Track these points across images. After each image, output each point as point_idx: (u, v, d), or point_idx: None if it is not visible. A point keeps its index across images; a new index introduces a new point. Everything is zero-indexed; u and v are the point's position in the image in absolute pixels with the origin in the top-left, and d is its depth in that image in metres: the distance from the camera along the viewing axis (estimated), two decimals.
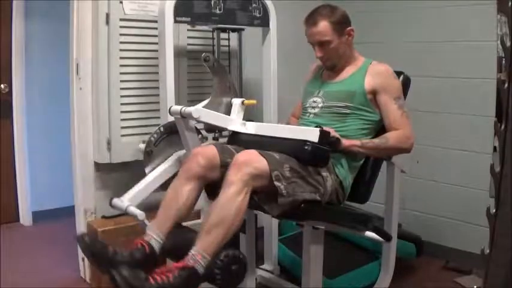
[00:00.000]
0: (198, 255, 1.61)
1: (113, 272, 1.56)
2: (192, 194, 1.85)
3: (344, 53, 2.11)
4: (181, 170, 1.90)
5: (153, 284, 1.52)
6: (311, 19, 2.07)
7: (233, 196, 1.66)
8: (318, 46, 2.09)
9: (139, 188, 2.09)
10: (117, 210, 2.10)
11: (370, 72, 2.08)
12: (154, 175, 2.12)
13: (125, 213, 2.61)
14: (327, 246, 1.98)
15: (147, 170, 2.16)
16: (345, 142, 1.94)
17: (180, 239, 1.78)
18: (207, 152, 1.87)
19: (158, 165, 2.16)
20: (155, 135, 2.16)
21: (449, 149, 3.08)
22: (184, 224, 1.92)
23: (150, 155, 2.16)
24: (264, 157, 1.74)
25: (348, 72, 2.14)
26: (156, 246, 1.75)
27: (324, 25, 2.05)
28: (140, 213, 1.99)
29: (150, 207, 2.09)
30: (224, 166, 1.81)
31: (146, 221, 1.96)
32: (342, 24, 2.07)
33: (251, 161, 1.71)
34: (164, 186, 2.09)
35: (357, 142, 1.98)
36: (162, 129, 2.18)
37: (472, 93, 2.93)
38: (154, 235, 1.76)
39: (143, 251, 1.71)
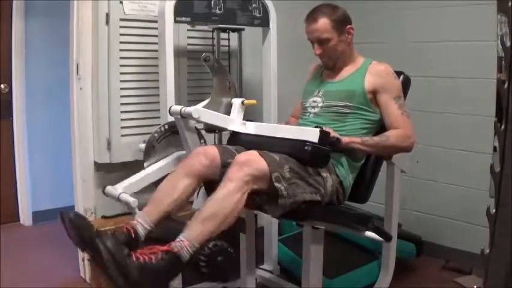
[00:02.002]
0: (185, 242, 1.57)
1: (96, 242, 1.50)
2: (188, 189, 1.84)
3: (343, 52, 2.11)
4: (181, 165, 1.91)
5: (134, 262, 1.49)
6: (312, 16, 2.08)
7: (231, 193, 1.66)
8: (317, 43, 2.09)
9: (135, 179, 2.09)
10: (110, 197, 2.08)
11: (370, 72, 2.08)
12: (151, 170, 2.12)
13: (125, 214, 2.63)
14: (327, 246, 1.98)
15: (145, 164, 2.16)
16: (345, 139, 1.94)
17: (168, 229, 1.74)
18: (209, 151, 1.88)
19: (157, 161, 2.16)
20: (159, 132, 2.16)
21: (449, 149, 3.08)
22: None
23: (151, 150, 2.17)
24: (264, 158, 1.74)
25: (347, 71, 2.14)
26: (142, 232, 1.71)
27: (324, 22, 2.05)
28: (133, 201, 1.98)
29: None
30: (225, 166, 1.81)
31: (137, 210, 1.95)
32: (342, 22, 2.08)
33: (252, 161, 1.71)
34: (158, 182, 2.07)
35: (357, 139, 1.98)
36: (166, 126, 2.19)
37: (472, 93, 2.92)
38: (142, 221, 1.73)
39: (128, 235, 1.67)
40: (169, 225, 1.79)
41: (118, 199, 2.02)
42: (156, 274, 1.51)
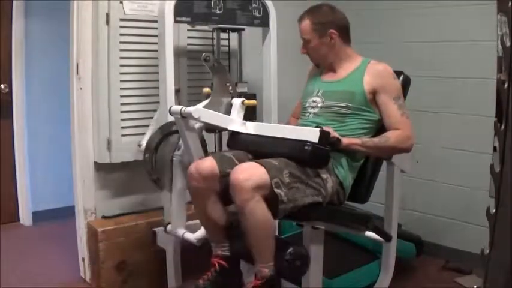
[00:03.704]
0: (263, 269, 1.77)
1: None
2: (215, 206, 1.91)
3: (327, 54, 2.12)
4: (189, 192, 1.97)
5: None
6: (301, 16, 2.14)
7: (251, 215, 1.71)
8: (303, 43, 2.15)
9: (177, 211, 2.20)
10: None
11: (369, 72, 2.07)
12: (177, 190, 2.18)
13: (125, 214, 2.64)
14: (327, 246, 1.98)
15: (166, 189, 2.24)
16: (345, 140, 1.94)
17: (238, 239, 1.90)
18: (203, 167, 1.86)
19: (170, 178, 2.21)
20: (148, 165, 2.22)
21: (449, 149, 3.08)
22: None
23: (158, 181, 2.25)
24: (263, 166, 1.73)
25: (345, 71, 2.13)
26: (227, 252, 1.94)
27: (305, 23, 2.11)
28: (197, 240, 2.12)
29: (149, 208, 2.13)
30: (224, 176, 1.82)
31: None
32: (323, 25, 2.08)
33: (250, 175, 1.70)
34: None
35: (357, 140, 1.98)
36: (147, 155, 2.22)
37: (472, 93, 2.93)
38: (220, 248, 1.94)
39: (223, 268, 1.91)
40: (235, 236, 1.95)
41: (183, 239, 2.19)
42: None
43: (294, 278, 1.92)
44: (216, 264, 1.91)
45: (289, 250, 1.79)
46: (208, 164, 1.86)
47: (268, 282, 1.77)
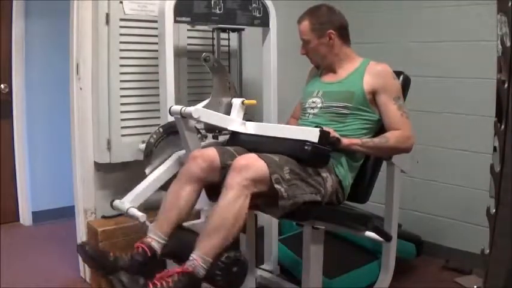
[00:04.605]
0: (198, 260, 1.62)
1: (111, 278, 1.59)
2: (192, 195, 1.85)
3: (326, 55, 2.13)
4: (181, 172, 1.90)
5: None
6: (300, 16, 2.15)
7: (232, 200, 1.66)
8: (303, 44, 2.15)
9: (140, 190, 2.09)
10: (117, 211, 2.11)
11: (369, 72, 2.08)
12: (155, 176, 2.12)
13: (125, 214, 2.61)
14: (327, 246, 1.98)
15: (147, 171, 2.16)
16: (345, 141, 1.94)
17: (181, 241, 1.78)
18: (207, 154, 1.87)
19: (158, 165, 2.16)
20: (154, 136, 2.16)
21: (449, 149, 3.08)
22: (184, 224, 1.93)
23: (149, 156, 2.17)
24: (264, 160, 1.73)
25: (345, 71, 2.14)
26: (158, 248, 1.75)
27: (304, 24, 2.12)
28: (141, 215, 1.99)
29: (150, 207, 2.14)
30: (224, 168, 1.81)
31: (148, 223, 1.96)
32: (321, 25, 2.09)
33: (251, 164, 1.71)
34: (165, 186, 2.09)
35: (357, 141, 1.98)
36: (161, 129, 2.18)
37: (472, 93, 2.93)
38: (156, 237, 1.77)
39: (144, 255, 1.71)
40: (181, 236, 1.82)
41: (127, 213, 2.03)
42: None
43: (227, 286, 1.68)
44: (140, 249, 1.72)
45: (226, 254, 1.65)
46: (210, 153, 1.87)
47: (190, 277, 1.59)
